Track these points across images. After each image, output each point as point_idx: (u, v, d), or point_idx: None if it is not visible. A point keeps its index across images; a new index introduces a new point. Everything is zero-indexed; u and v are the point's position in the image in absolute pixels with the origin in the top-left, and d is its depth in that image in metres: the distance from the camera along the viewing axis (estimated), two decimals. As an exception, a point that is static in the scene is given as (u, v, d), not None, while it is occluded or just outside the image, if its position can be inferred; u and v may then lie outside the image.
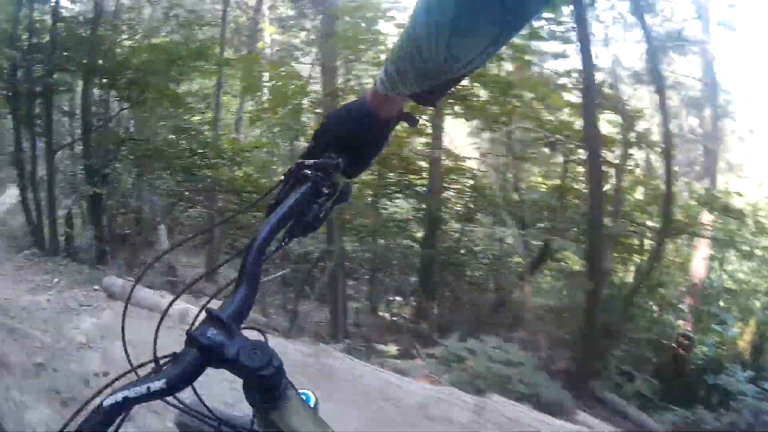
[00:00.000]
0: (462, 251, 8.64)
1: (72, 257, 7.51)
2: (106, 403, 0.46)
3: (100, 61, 7.96)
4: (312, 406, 0.77)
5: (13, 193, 11.41)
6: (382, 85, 0.59)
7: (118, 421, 0.47)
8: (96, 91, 8.55)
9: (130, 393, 0.46)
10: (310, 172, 0.63)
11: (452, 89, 0.82)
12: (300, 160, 0.65)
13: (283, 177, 0.65)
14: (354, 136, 0.66)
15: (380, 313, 8.68)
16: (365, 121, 0.65)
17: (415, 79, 0.54)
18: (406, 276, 8.71)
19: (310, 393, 0.78)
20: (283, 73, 7.73)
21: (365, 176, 7.66)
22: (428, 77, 0.53)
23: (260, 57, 8.68)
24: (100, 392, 0.50)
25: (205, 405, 0.66)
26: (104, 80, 8.17)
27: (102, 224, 7.85)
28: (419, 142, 8.62)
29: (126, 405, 0.46)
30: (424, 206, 8.27)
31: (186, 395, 0.56)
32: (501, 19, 0.45)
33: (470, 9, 0.43)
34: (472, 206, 8.42)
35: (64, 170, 8.81)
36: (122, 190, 7.59)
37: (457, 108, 7.92)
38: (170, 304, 0.66)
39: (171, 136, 8.12)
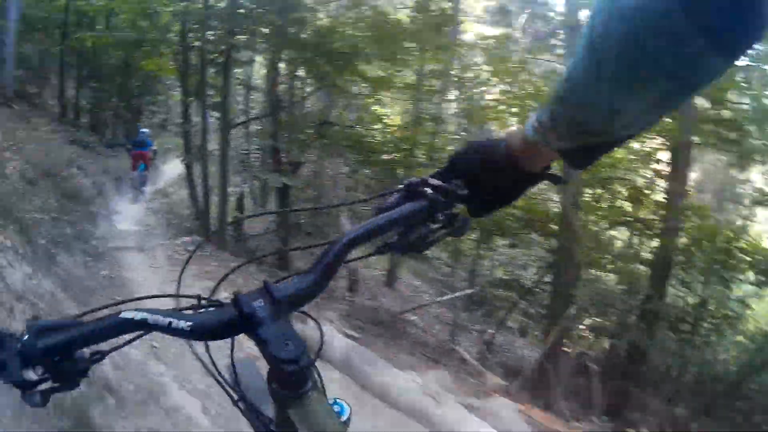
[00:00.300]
0: (706, 322, 6.34)
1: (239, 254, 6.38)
2: (125, 314, 0.51)
3: (292, 31, 6.91)
4: (345, 417, 0.73)
5: (177, 166, 10.90)
6: (532, 131, 0.55)
7: (129, 338, 0.53)
8: (282, 67, 7.71)
9: (151, 318, 0.50)
10: (430, 192, 0.62)
11: (608, 152, 0.55)
12: (425, 177, 0.63)
13: (402, 186, 0.63)
14: (488, 175, 0.63)
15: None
16: (503, 163, 0.61)
17: (569, 131, 0.51)
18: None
19: (345, 403, 0.75)
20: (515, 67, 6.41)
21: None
22: (583, 132, 0.50)
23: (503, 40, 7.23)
24: (124, 302, 0.58)
25: (235, 373, 0.66)
26: (294, 55, 7.25)
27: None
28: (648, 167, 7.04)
29: (143, 326, 0.51)
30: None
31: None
32: (677, 74, 0.39)
33: (639, 58, 0.39)
34: (719, 259, 6.45)
35: (235, 148, 8.06)
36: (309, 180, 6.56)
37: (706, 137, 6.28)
38: (221, 280, 0.66)
39: (373, 126, 6.99)
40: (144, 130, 10.54)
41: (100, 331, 0.52)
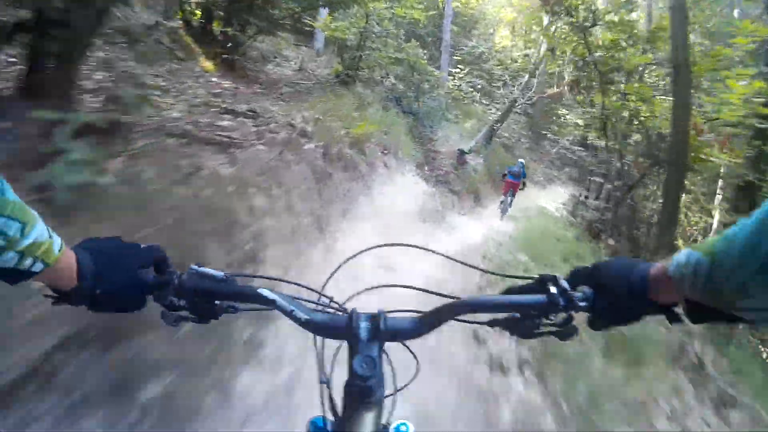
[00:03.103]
0: None
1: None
2: (261, 290, 0.66)
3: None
4: None
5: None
6: (675, 267, 0.57)
7: (258, 307, 0.68)
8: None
9: (279, 300, 0.65)
10: (554, 291, 0.64)
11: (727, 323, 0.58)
12: (560, 276, 0.66)
13: (538, 276, 0.67)
14: (619, 293, 0.64)
15: None
16: (637, 287, 0.63)
17: (703, 287, 0.53)
18: None
19: (409, 425, 0.79)
20: None
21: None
22: (714, 295, 0.52)
23: None
24: (274, 279, 0.83)
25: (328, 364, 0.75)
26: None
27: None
28: None
29: (271, 304, 0.66)
30: None
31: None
32: None
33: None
34: None
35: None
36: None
37: None
38: (331, 275, 0.80)
39: None
40: (521, 161, 12.28)
41: (238, 294, 0.67)
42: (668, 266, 0.59)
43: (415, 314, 0.67)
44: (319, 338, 0.72)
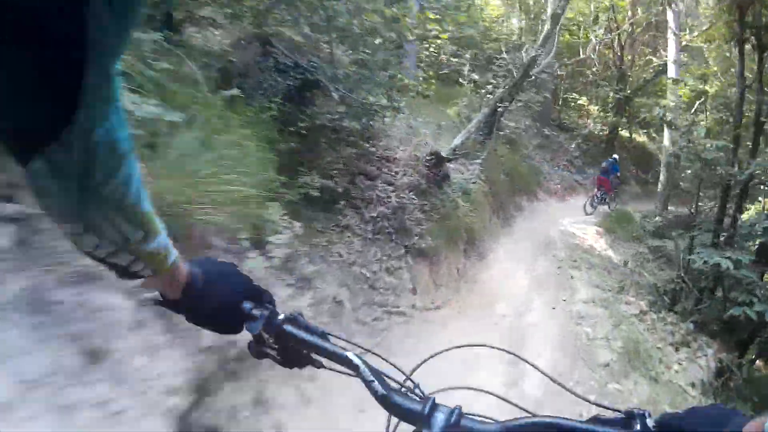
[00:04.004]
0: None
1: None
2: (350, 354, 0.68)
3: None
4: None
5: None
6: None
7: (343, 370, 0.70)
8: None
9: (362, 367, 0.67)
10: (640, 430, 0.60)
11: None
12: (648, 413, 0.62)
13: (626, 410, 0.63)
14: None
15: None
16: None
17: None
18: None
19: None
20: None
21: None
22: None
23: None
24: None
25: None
26: None
27: None
28: None
29: (355, 369, 0.68)
30: None
31: None
32: None
33: None
34: None
35: None
36: None
37: None
38: (422, 362, 0.77)
39: None
40: (614, 156, 12.91)
41: (326, 351, 0.70)
42: (765, 424, 0.53)
43: (489, 420, 0.64)
44: (393, 419, 0.68)
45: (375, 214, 5.78)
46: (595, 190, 12.50)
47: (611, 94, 16.17)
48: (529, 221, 10.59)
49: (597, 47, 15.86)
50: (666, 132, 12.24)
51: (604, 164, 12.47)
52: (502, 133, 11.65)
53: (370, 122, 6.19)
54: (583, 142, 15.76)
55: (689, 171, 13.23)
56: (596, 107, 18.40)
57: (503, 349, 0.79)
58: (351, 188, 5.83)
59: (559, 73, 16.96)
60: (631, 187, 16.37)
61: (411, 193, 6.15)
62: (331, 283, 4.40)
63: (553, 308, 6.21)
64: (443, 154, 6.43)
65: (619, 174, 12.65)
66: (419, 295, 5.26)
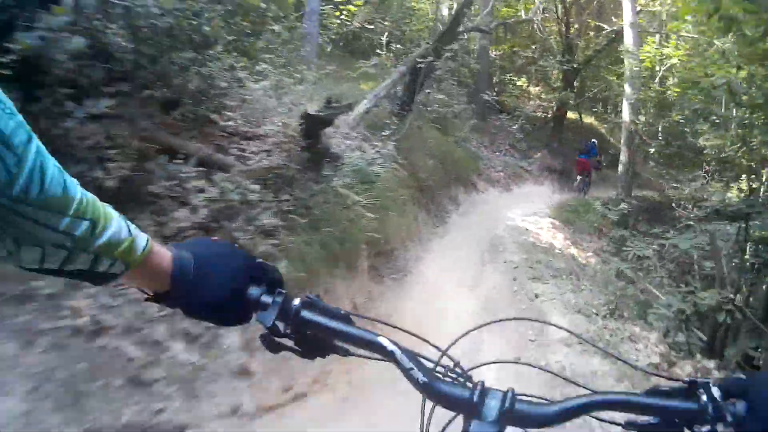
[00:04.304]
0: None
1: None
2: (381, 339, 0.61)
3: None
4: None
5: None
6: None
7: (375, 356, 0.63)
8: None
9: (398, 354, 0.60)
10: (705, 400, 0.56)
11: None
12: (711, 380, 0.60)
13: (687, 379, 0.60)
14: None
15: None
16: None
17: None
18: None
19: None
20: None
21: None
22: None
23: None
24: (397, 328, 0.70)
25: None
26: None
27: None
28: None
29: (389, 356, 0.61)
30: None
31: None
32: None
33: None
34: None
35: None
36: None
37: None
38: (458, 338, 0.68)
39: None
40: (593, 140, 12.74)
41: (354, 337, 0.63)
42: None
43: (544, 401, 0.59)
44: (429, 403, 0.62)
45: (186, 224, 3.11)
46: (577, 175, 12.18)
47: (557, 67, 14.27)
48: (469, 217, 8.23)
49: (539, 10, 13.88)
50: (625, 106, 10.34)
51: (583, 146, 12.27)
52: (429, 108, 9.22)
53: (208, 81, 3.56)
54: (526, 123, 13.75)
55: (653, 149, 11.57)
56: (538, 88, 16.55)
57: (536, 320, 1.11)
58: (149, 178, 3.15)
59: (497, 54, 14.96)
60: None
61: (261, 184, 3.50)
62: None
63: (518, 361, 3.75)
64: (320, 111, 3.80)
65: (598, 158, 12.14)
66: (254, 388, 2.61)
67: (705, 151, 10.09)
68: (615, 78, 15.07)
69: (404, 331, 0.69)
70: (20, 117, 0.43)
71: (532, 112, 15.11)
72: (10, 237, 0.46)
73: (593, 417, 0.60)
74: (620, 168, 10.60)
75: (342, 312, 0.65)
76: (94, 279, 0.55)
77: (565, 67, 13.43)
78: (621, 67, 14.60)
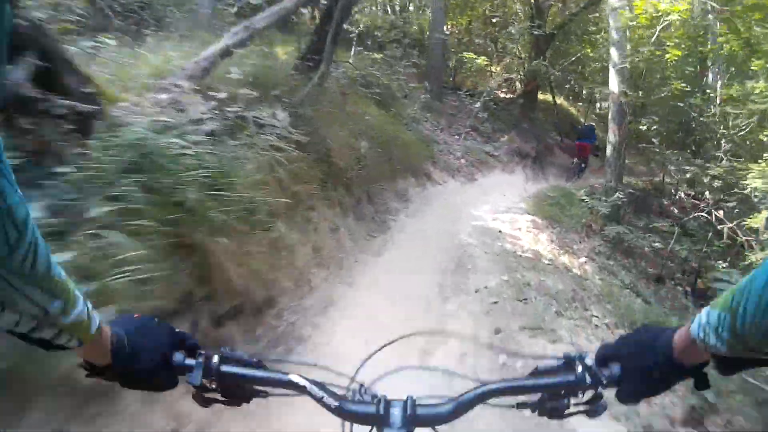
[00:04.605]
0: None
1: None
2: (292, 377, 0.69)
3: None
4: None
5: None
6: (698, 328, 0.59)
7: (289, 393, 0.70)
8: None
9: (309, 387, 0.68)
10: (581, 371, 0.65)
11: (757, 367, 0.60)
12: (586, 354, 0.68)
13: (563, 356, 0.68)
14: (646, 363, 0.65)
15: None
16: (663, 355, 0.64)
17: (728, 342, 0.54)
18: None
19: None
20: None
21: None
22: (740, 348, 0.54)
23: None
24: (310, 365, 0.79)
25: None
26: None
27: None
28: None
29: (302, 390, 0.68)
30: None
31: None
32: None
33: None
34: None
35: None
36: None
37: None
38: (366, 360, 0.79)
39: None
40: (591, 124, 12.15)
41: (269, 380, 0.70)
42: (691, 328, 0.60)
43: (443, 398, 0.66)
44: (347, 424, 0.70)
45: None
46: (576, 159, 11.28)
47: (526, 33, 12.12)
48: (422, 218, 5.94)
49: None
50: (612, 74, 8.28)
51: (581, 128, 11.65)
52: (363, 73, 6.87)
53: None
54: (491, 100, 11.62)
55: (644, 126, 9.59)
56: (503, 63, 14.38)
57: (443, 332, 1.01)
58: None
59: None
60: (554, 158, 12.54)
61: None
62: None
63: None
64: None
65: (596, 143, 11.11)
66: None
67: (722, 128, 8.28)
68: (589, 50, 13.12)
69: (313, 365, 0.78)
70: (20, 193, 0.44)
71: (496, 90, 12.98)
72: None
73: (489, 404, 0.67)
74: (608, 150, 8.54)
75: (254, 360, 0.71)
76: (48, 347, 0.57)
77: (535, 33, 11.29)
78: (599, 35, 12.66)
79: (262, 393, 0.72)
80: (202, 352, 0.70)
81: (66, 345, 0.58)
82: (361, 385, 0.70)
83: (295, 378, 0.68)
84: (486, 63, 12.97)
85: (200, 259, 2.18)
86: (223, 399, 0.71)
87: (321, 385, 0.67)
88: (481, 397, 0.65)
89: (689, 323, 0.60)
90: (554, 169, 11.79)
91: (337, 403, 0.65)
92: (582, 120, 14.93)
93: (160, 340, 0.69)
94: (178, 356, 0.69)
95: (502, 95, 13.78)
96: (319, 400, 0.66)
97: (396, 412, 0.63)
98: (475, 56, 12.68)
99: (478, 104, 11.20)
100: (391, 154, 6.36)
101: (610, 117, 8.51)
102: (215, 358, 0.69)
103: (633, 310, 4.33)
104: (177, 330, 0.72)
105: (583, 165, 11.04)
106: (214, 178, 2.38)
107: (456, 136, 10.05)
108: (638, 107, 9.52)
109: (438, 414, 0.64)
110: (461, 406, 0.64)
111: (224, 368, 0.68)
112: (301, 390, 0.67)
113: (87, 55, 3.21)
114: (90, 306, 0.59)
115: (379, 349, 0.78)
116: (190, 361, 0.69)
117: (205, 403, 0.70)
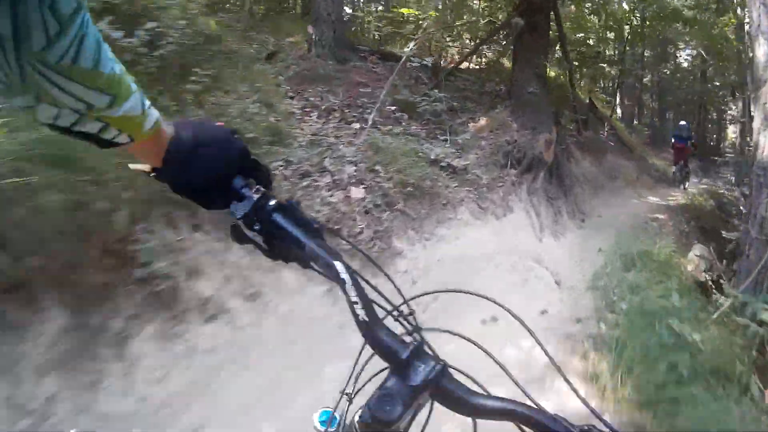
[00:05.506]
0: None
1: None
2: (338, 266, 0.57)
3: None
4: None
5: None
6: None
7: (323, 271, 0.60)
8: None
9: (348, 283, 0.56)
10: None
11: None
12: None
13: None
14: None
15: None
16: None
17: None
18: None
19: None
20: None
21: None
22: None
23: None
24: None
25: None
26: None
27: None
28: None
29: (341, 282, 0.56)
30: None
31: None
32: None
33: None
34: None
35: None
36: None
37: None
38: (414, 297, 0.67)
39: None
40: (683, 122, 10.47)
41: (315, 255, 0.59)
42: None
43: (471, 386, 0.55)
44: (367, 347, 0.60)
45: None
46: (676, 164, 9.77)
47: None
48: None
49: None
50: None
51: (680, 127, 9.81)
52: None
53: None
54: (449, 74, 6.04)
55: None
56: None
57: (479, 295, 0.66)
58: None
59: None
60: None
61: None
62: None
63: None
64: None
65: (693, 140, 9.77)
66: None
67: None
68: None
69: (377, 266, 0.69)
70: None
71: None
72: (32, 93, 0.46)
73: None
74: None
75: (316, 224, 0.63)
76: (96, 141, 0.55)
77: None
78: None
79: (303, 261, 0.63)
80: (262, 189, 0.63)
81: (114, 140, 0.55)
82: (412, 312, 0.62)
83: (340, 267, 0.57)
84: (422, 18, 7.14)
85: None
86: (262, 245, 0.63)
87: (362, 292, 0.56)
88: (512, 415, 0.51)
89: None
90: (606, 195, 6.15)
91: (366, 318, 0.54)
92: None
93: (225, 159, 0.63)
94: (237, 181, 0.63)
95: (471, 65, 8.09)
96: (350, 304, 0.55)
97: (421, 369, 0.52)
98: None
99: (417, 63, 5.55)
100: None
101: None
102: (272, 202, 0.62)
103: None
104: (253, 157, 0.66)
105: (686, 170, 9.73)
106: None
107: (357, 125, 4.36)
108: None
109: (458, 398, 0.52)
110: (484, 409, 0.52)
111: (276, 217, 0.62)
112: (339, 283, 0.56)
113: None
114: (147, 103, 0.56)
115: (445, 291, 0.69)
116: (246, 191, 0.63)
117: (240, 239, 0.63)
